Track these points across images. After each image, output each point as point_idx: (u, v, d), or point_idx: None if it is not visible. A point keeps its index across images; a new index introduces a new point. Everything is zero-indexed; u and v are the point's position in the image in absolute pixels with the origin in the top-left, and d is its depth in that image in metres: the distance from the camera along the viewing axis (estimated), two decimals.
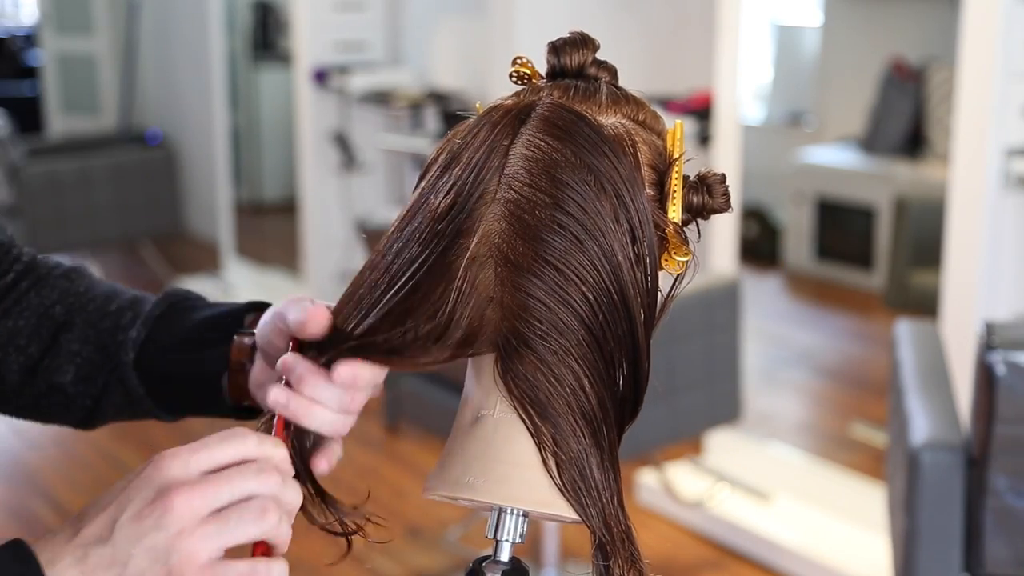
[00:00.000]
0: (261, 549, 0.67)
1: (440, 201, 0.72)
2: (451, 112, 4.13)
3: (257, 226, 6.46)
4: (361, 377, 0.72)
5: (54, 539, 0.65)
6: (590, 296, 0.70)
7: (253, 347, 0.85)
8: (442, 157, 0.74)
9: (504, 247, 0.70)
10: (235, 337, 0.86)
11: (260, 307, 0.89)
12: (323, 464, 0.76)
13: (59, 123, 6.62)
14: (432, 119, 4.48)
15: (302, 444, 0.76)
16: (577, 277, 0.69)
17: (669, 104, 3.47)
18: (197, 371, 0.87)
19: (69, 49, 6.56)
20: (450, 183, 0.72)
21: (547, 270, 0.69)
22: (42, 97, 6.78)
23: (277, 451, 0.68)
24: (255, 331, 0.85)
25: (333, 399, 0.72)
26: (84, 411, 0.92)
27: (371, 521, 0.78)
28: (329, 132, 4.87)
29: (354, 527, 0.77)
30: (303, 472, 0.75)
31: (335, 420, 0.73)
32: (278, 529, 0.66)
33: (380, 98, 4.65)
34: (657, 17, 4.00)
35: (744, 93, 3.22)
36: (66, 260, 0.97)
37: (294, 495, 0.68)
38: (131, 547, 0.63)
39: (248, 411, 0.89)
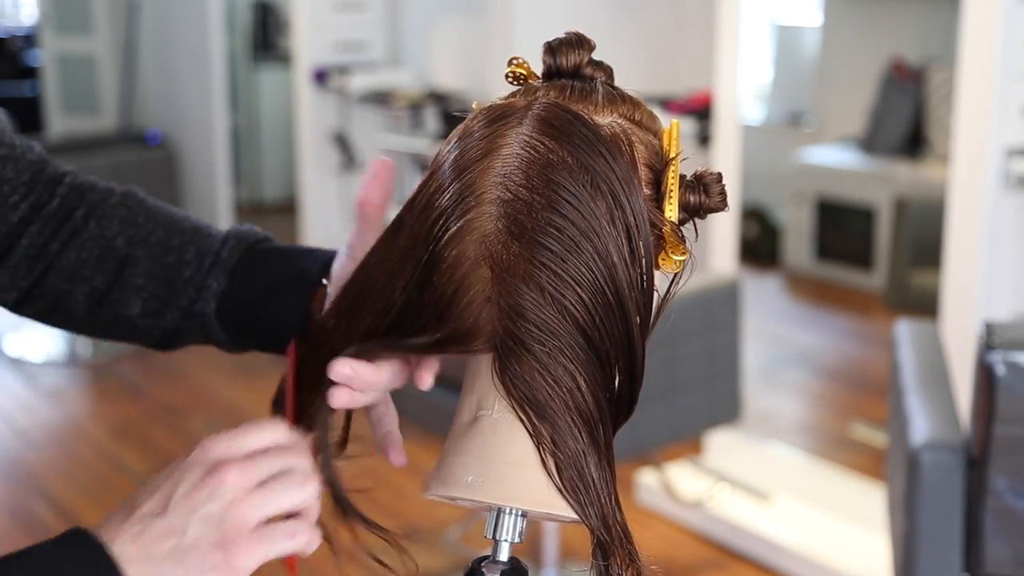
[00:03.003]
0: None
1: (438, 200, 0.72)
2: (451, 112, 4.13)
3: (257, 226, 6.46)
4: (362, 375, 0.76)
5: (109, 523, 0.70)
6: (585, 297, 0.70)
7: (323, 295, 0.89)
8: (439, 157, 0.74)
9: (500, 248, 0.70)
10: (319, 288, 0.89)
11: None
12: (399, 457, 0.83)
13: (59, 123, 6.62)
14: (432, 119, 4.48)
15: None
16: (572, 279, 0.70)
17: (669, 104, 3.46)
18: (279, 319, 0.90)
19: (69, 49, 6.56)
20: (447, 183, 0.72)
21: (542, 272, 0.69)
22: (42, 97, 6.78)
23: (300, 439, 0.75)
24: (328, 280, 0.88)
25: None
26: (153, 340, 0.95)
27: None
28: (329, 132, 4.87)
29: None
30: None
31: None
32: (314, 500, 0.73)
33: (380, 98, 4.65)
34: (657, 17, 4.00)
35: (744, 93, 3.22)
36: (115, 184, 0.98)
37: (316, 484, 0.75)
38: (187, 517, 0.69)
39: None
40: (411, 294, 0.72)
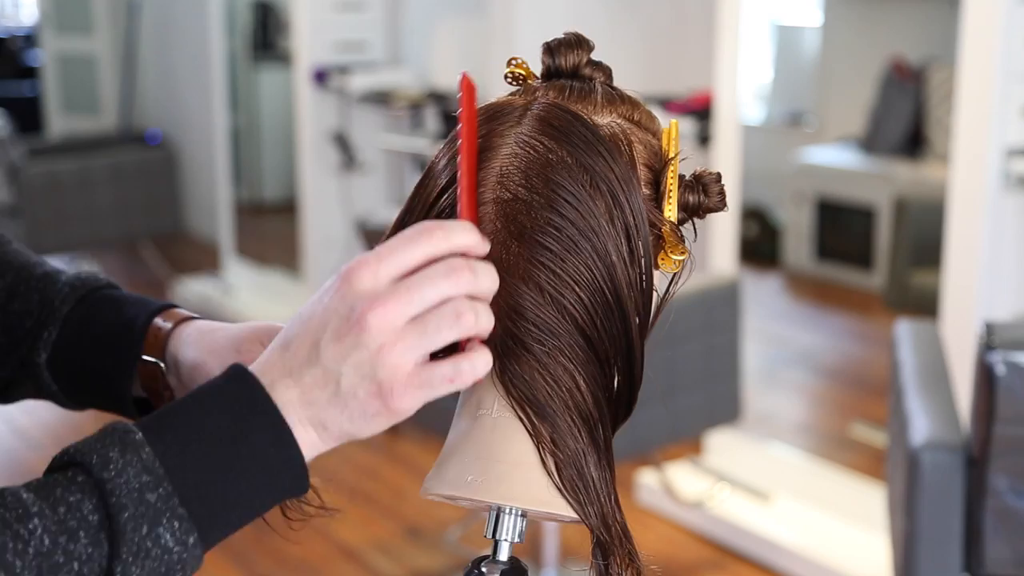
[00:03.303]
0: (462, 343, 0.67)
1: (437, 203, 0.72)
2: (451, 112, 4.13)
3: (257, 226, 6.46)
4: None
5: (265, 362, 0.66)
6: (584, 297, 0.70)
7: (163, 371, 0.86)
8: (437, 157, 0.74)
9: (499, 248, 0.70)
10: (140, 363, 0.86)
11: (168, 307, 0.88)
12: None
13: (59, 123, 6.62)
14: (432, 119, 4.48)
15: None
16: (571, 279, 0.70)
17: (669, 104, 3.46)
18: (104, 370, 0.87)
19: (69, 49, 6.57)
20: (445, 184, 0.72)
21: (542, 272, 0.70)
22: (42, 97, 6.78)
23: (464, 238, 0.67)
24: (160, 357, 0.86)
25: None
26: None
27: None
28: (329, 132, 4.87)
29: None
30: None
31: None
32: (476, 326, 0.66)
33: (380, 98, 4.65)
34: (657, 17, 4.00)
35: (744, 93, 3.22)
36: None
37: (489, 282, 0.67)
38: (339, 366, 0.64)
39: None
40: None
